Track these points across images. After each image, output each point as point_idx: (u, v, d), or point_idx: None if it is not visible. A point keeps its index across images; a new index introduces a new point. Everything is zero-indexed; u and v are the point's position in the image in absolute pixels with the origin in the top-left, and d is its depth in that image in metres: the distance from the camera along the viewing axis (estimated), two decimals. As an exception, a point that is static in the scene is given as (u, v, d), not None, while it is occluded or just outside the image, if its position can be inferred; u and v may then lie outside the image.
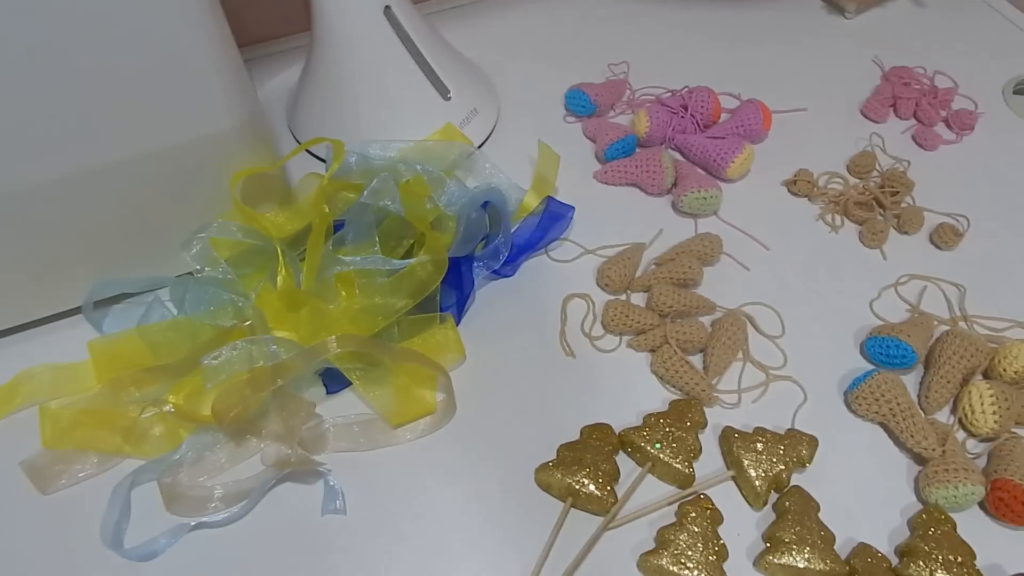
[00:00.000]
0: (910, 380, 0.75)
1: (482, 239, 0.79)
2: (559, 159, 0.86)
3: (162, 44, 0.60)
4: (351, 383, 0.71)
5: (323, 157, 0.87)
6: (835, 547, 0.63)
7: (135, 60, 0.60)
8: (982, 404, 0.69)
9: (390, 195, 0.73)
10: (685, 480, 0.66)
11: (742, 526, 0.66)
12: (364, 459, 0.69)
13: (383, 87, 0.87)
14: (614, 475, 0.65)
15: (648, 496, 0.67)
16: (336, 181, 0.77)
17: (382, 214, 0.76)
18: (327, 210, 0.73)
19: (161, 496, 0.64)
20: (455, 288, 0.77)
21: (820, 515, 0.65)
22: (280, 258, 0.71)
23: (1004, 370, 0.71)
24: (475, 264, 0.78)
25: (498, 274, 0.80)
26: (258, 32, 1.04)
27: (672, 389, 0.73)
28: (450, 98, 0.91)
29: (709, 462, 0.69)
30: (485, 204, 0.79)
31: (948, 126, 0.99)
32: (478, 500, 0.66)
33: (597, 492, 0.63)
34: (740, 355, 0.76)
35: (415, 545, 0.64)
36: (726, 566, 0.62)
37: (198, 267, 0.71)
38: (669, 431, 0.67)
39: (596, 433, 0.67)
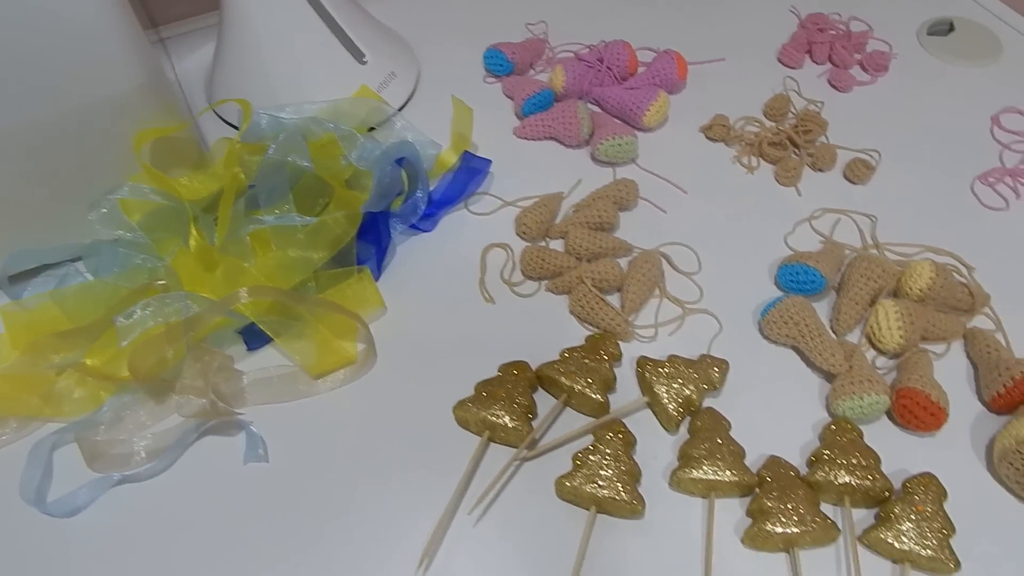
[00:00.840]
0: (823, 307, 0.78)
1: (399, 194, 0.81)
2: (472, 112, 0.89)
3: (58, 9, 0.63)
4: (272, 339, 0.73)
5: (238, 125, 0.89)
6: (747, 461, 0.66)
7: (31, 25, 0.62)
8: (888, 321, 0.72)
9: (299, 151, 0.75)
10: (600, 408, 0.68)
11: (659, 450, 0.68)
12: (287, 410, 0.71)
13: (295, 53, 0.89)
14: (531, 408, 0.68)
15: (569, 429, 0.69)
16: (248, 144, 0.79)
17: (297, 174, 0.79)
18: (239, 171, 0.75)
19: (82, 455, 0.66)
20: (373, 243, 0.79)
21: (733, 433, 0.68)
22: (190, 219, 0.73)
23: (910, 289, 0.75)
24: (393, 219, 0.81)
25: (418, 228, 0.83)
26: (177, 10, 1.06)
27: (590, 327, 0.76)
28: (366, 62, 0.93)
29: (629, 393, 0.72)
30: (401, 161, 0.81)
31: (863, 68, 1.03)
32: (399, 442, 0.69)
33: (513, 424, 0.66)
34: (657, 292, 0.78)
35: (337, 488, 0.66)
36: (645, 487, 0.65)
37: (104, 229, 0.73)
38: (584, 363, 0.69)
39: (513, 369, 0.70)
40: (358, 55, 0.93)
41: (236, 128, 0.91)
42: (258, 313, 0.71)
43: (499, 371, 0.70)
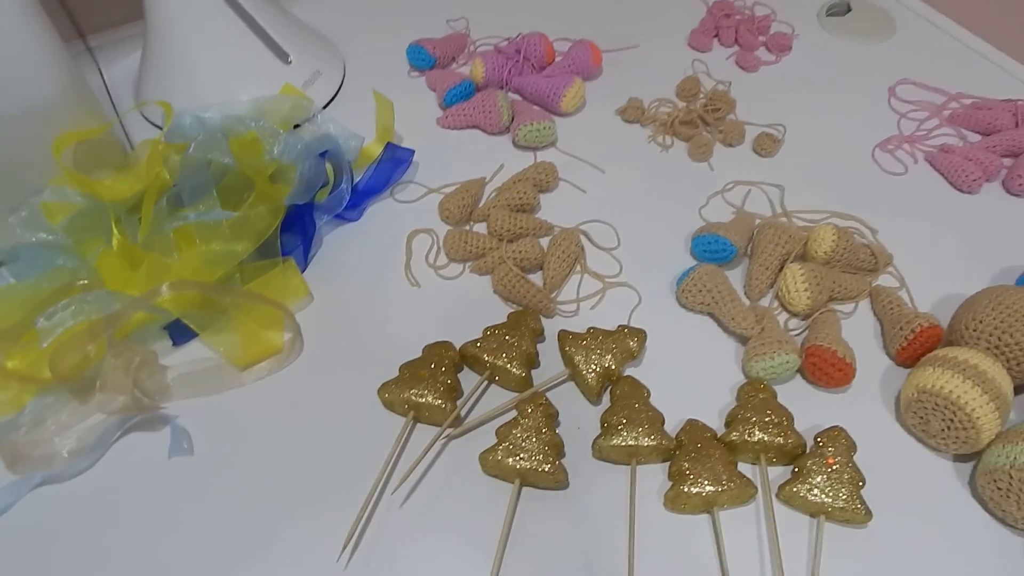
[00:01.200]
0: (738, 274, 0.75)
1: (324, 186, 0.77)
2: (393, 105, 0.85)
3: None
4: (198, 334, 0.68)
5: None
6: (669, 426, 0.62)
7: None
8: (796, 284, 0.69)
9: (220, 149, 0.71)
10: (523, 383, 0.65)
11: (583, 421, 0.65)
12: (213, 403, 0.66)
13: (219, 56, 0.85)
14: (455, 387, 0.64)
15: (495, 405, 0.66)
16: (171, 144, 0.74)
17: (221, 171, 0.74)
18: (163, 171, 0.71)
19: (2, 458, 0.61)
20: (299, 234, 0.75)
21: (654, 400, 0.64)
22: (112, 219, 0.68)
23: (815, 252, 0.72)
24: (318, 210, 0.76)
25: (343, 218, 0.79)
26: (103, 20, 1.00)
27: (514, 306, 0.72)
28: (291, 62, 0.89)
29: (555, 367, 0.68)
30: (325, 154, 0.77)
31: (768, 49, 1.00)
32: (326, 428, 0.65)
33: (436, 403, 0.62)
34: (578, 268, 0.75)
35: (264, 476, 0.62)
36: (570, 458, 0.62)
37: (25, 232, 0.68)
38: (506, 340, 0.65)
39: (437, 350, 0.66)
40: (283, 56, 0.88)
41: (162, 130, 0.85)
42: (182, 308, 0.67)
43: (423, 352, 0.66)
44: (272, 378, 0.67)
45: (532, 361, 0.66)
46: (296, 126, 0.84)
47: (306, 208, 0.75)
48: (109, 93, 0.92)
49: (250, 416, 0.65)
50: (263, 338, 0.68)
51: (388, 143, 0.82)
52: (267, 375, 0.67)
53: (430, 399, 0.62)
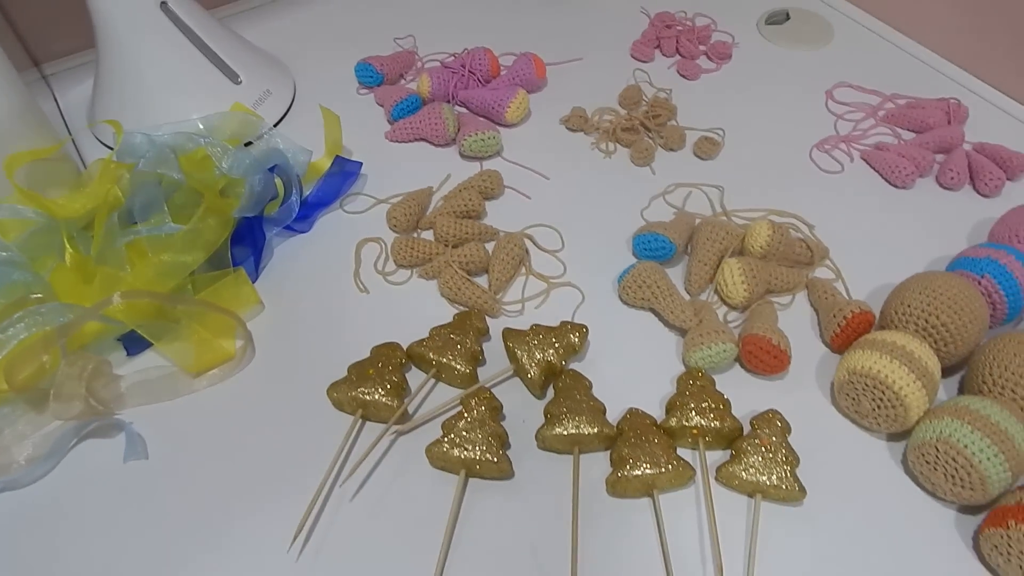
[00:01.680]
0: (679, 271, 0.78)
1: (273, 198, 0.79)
2: (340, 119, 0.87)
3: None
4: (152, 344, 0.70)
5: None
6: (609, 415, 0.65)
7: None
8: (733, 277, 0.72)
9: (169, 165, 0.73)
10: (468, 379, 0.67)
11: (528, 414, 0.67)
12: (167, 409, 0.68)
13: (170, 78, 0.87)
14: (401, 384, 0.66)
15: (443, 403, 0.68)
16: (122, 163, 0.76)
17: (172, 187, 0.76)
18: (114, 188, 0.73)
19: (-40, 469, 0.63)
20: (250, 246, 0.77)
21: (598, 392, 0.67)
22: (64, 235, 0.70)
23: (752, 247, 0.75)
24: (268, 222, 0.78)
25: (293, 230, 0.81)
26: (57, 47, 1.02)
27: (461, 307, 0.74)
28: (241, 82, 0.91)
29: (501, 365, 0.70)
30: (274, 168, 0.79)
31: (709, 58, 1.04)
32: (278, 429, 0.66)
33: (383, 400, 0.64)
34: (523, 270, 0.77)
35: (218, 478, 0.64)
36: (515, 450, 0.64)
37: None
38: (451, 339, 0.68)
39: (384, 350, 0.68)
40: (233, 76, 0.91)
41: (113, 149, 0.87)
42: (136, 319, 0.68)
43: (371, 353, 0.68)
44: (225, 384, 0.69)
45: (476, 358, 0.68)
46: (248, 143, 0.86)
47: (256, 220, 0.77)
48: (63, 117, 0.94)
49: (203, 421, 0.67)
50: (215, 346, 0.70)
51: (337, 156, 0.84)
52: (220, 381, 0.69)
53: (377, 397, 0.64)
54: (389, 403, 0.64)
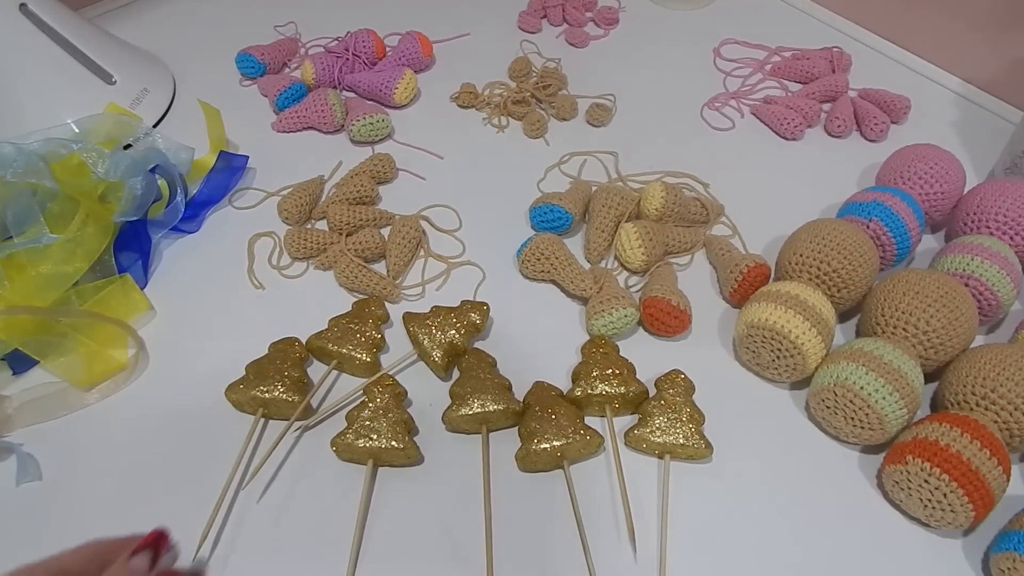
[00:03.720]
0: (577, 241, 0.78)
1: (155, 200, 0.77)
2: (220, 112, 0.86)
3: None
4: (38, 361, 0.68)
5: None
6: (518, 390, 0.65)
7: None
8: (630, 242, 0.73)
9: (40, 174, 0.71)
10: (370, 368, 0.67)
11: (436, 398, 0.67)
12: (59, 426, 0.66)
13: (37, 82, 0.84)
14: (302, 379, 0.65)
15: (346, 394, 0.67)
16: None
17: (48, 196, 0.74)
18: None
19: None
20: (136, 251, 0.75)
21: (504, 368, 0.67)
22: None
23: (647, 210, 0.76)
24: (154, 225, 0.77)
25: (182, 230, 0.79)
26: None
27: (360, 295, 0.74)
28: (115, 82, 0.89)
29: (403, 350, 0.70)
30: (155, 169, 0.77)
31: (596, 24, 1.04)
32: (178, 435, 0.65)
33: (284, 397, 0.63)
34: (421, 253, 0.77)
35: (117, 492, 0.62)
36: (424, 435, 0.65)
37: None
38: (350, 328, 0.67)
39: (281, 345, 0.67)
40: (106, 77, 0.89)
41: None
42: (18, 336, 0.66)
43: (268, 350, 0.67)
44: (119, 395, 0.67)
45: (378, 346, 0.68)
46: (127, 146, 0.84)
47: (140, 224, 0.75)
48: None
49: (99, 434, 0.65)
50: (106, 357, 0.68)
51: (221, 152, 0.83)
52: (113, 392, 0.67)
53: (277, 394, 0.63)
54: (290, 399, 0.63)
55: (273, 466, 0.62)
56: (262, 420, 0.64)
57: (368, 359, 0.66)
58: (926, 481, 0.56)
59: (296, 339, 0.68)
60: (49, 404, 0.66)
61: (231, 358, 0.67)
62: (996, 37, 0.90)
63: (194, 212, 0.80)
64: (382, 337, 0.68)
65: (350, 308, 0.70)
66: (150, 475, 0.63)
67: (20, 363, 0.68)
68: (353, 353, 0.66)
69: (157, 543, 0.42)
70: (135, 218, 0.75)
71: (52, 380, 0.68)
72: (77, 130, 0.80)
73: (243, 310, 0.73)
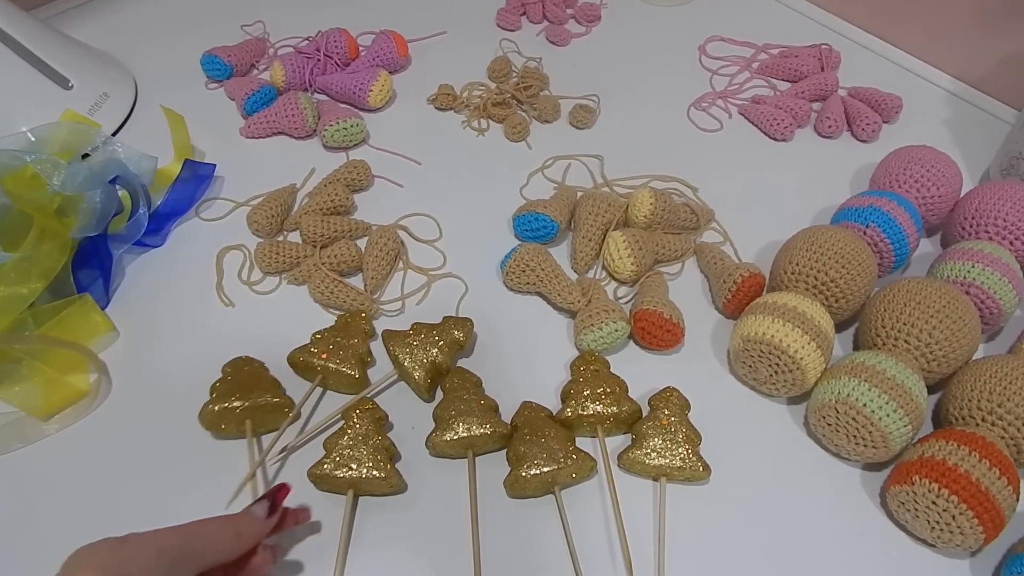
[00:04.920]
0: (563, 250, 0.76)
1: (117, 214, 0.74)
2: (184, 118, 0.83)
3: None
4: (-8, 390, 0.64)
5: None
6: (504, 410, 0.63)
7: None
8: (619, 251, 0.71)
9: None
10: (358, 384, 0.64)
11: (418, 420, 0.64)
12: (17, 458, 0.63)
13: (-10, 87, 0.81)
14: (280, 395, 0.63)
15: (324, 418, 0.64)
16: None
17: (1, 212, 0.70)
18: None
19: None
20: (96, 268, 0.72)
21: (489, 387, 0.65)
22: None
23: (636, 218, 0.74)
24: (115, 240, 0.73)
25: (145, 245, 0.76)
26: None
27: (336, 312, 0.71)
28: (72, 87, 0.85)
29: (389, 367, 0.67)
30: (116, 180, 0.74)
31: (577, 21, 1.02)
32: (145, 464, 0.62)
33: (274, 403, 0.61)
34: (400, 265, 0.74)
35: (83, 526, 0.58)
36: (406, 460, 0.62)
37: None
38: (337, 342, 0.65)
39: (229, 368, 0.64)
40: (62, 81, 0.85)
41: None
42: (-31, 364, 0.63)
43: (222, 371, 0.64)
44: (81, 423, 0.64)
45: (365, 361, 0.65)
46: (85, 155, 0.80)
47: (100, 239, 0.72)
48: None
49: (61, 466, 0.62)
50: (65, 384, 0.65)
51: (186, 160, 0.79)
52: (75, 421, 0.64)
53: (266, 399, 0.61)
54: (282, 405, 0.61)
55: (248, 496, 0.59)
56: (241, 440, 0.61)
57: (357, 374, 0.63)
58: (934, 503, 0.54)
59: (249, 358, 0.65)
60: (5, 435, 0.63)
61: (200, 380, 0.64)
62: (987, 33, 0.89)
63: (158, 225, 0.76)
64: (369, 351, 0.66)
65: (334, 322, 0.67)
66: (115, 508, 0.59)
67: (-28, 392, 0.65)
68: (341, 368, 0.63)
69: (276, 494, 0.52)
70: (94, 233, 0.71)
71: (7, 410, 0.64)
72: (33, 139, 0.76)
73: (211, 328, 0.70)
